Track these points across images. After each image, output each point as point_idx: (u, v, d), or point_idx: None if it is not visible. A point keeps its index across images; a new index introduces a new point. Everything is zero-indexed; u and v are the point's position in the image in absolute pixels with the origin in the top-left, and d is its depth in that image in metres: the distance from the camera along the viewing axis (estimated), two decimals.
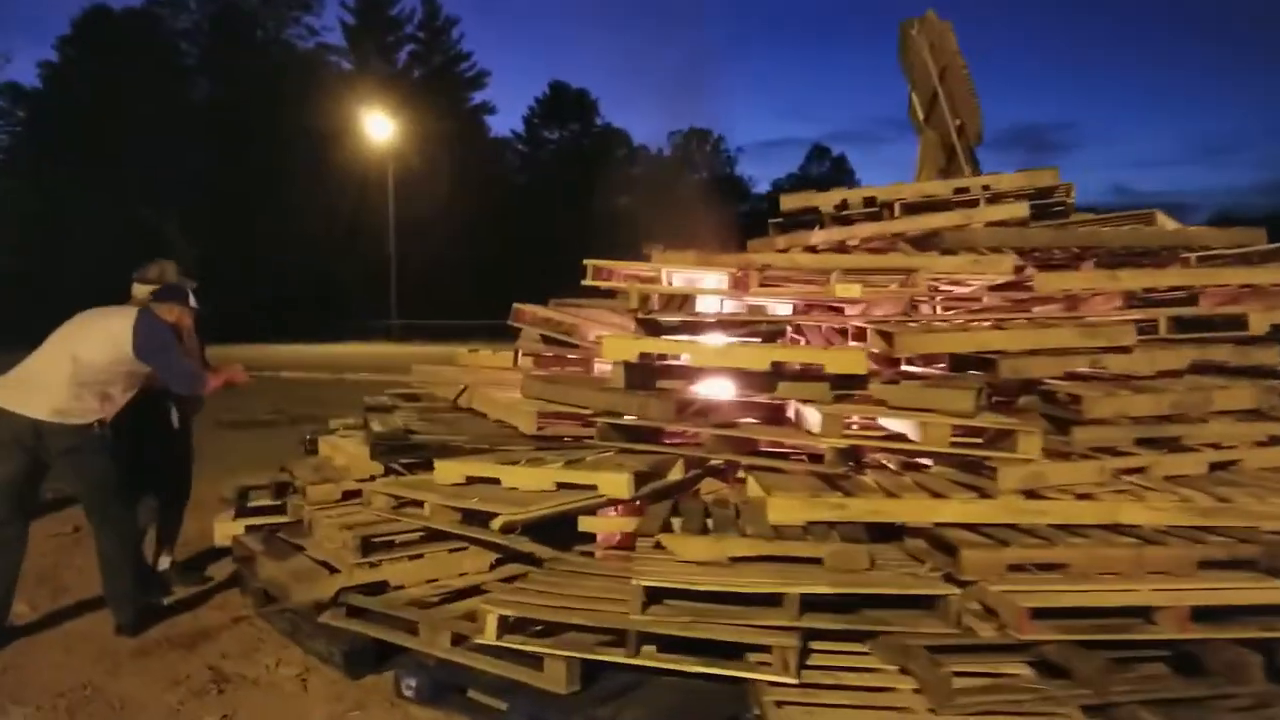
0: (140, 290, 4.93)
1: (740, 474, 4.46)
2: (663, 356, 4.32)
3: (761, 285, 4.88)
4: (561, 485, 4.08)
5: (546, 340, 5.64)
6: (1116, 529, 3.64)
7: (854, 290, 4.66)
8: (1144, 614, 3.20)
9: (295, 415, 12.56)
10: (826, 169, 64.15)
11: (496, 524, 3.73)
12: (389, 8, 50.45)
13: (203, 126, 38.73)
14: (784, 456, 4.52)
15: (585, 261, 5.29)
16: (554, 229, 44.09)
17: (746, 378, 4.44)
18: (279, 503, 5.51)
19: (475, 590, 4.13)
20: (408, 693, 3.69)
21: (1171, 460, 4.07)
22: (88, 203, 33.34)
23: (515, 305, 6.09)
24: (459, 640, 3.68)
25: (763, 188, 60.44)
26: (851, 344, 5.12)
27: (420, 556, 4.20)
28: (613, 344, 4.41)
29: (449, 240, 41.24)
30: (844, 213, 6.94)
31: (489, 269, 42.07)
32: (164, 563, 5.07)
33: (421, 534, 4.33)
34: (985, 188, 6.47)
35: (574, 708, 3.18)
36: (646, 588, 3.25)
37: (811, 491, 3.71)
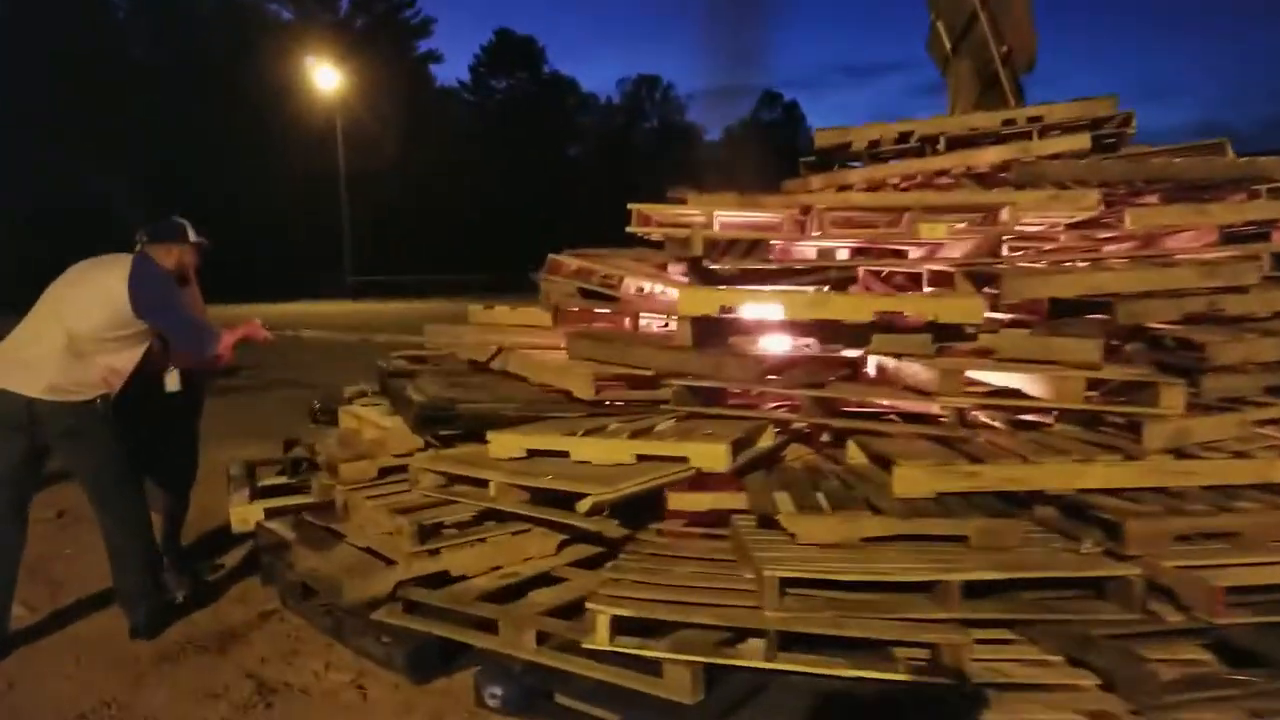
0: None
1: (826, 439, 4.03)
2: (739, 310, 3.83)
3: (828, 228, 4.41)
4: (641, 457, 3.61)
5: (585, 295, 5.12)
6: (1269, 489, 3.30)
7: (939, 230, 4.21)
8: None
9: (268, 380, 11.88)
10: (778, 115, 63.40)
11: (584, 505, 3.26)
12: None
13: (142, 83, 36.72)
14: (874, 417, 4.10)
15: (630, 206, 4.76)
16: (507, 180, 43.05)
17: (833, 331, 3.99)
18: (295, 481, 4.98)
19: (545, 579, 3.68)
20: (492, 702, 3.23)
21: None
22: (29, 165, 31.51)
23: (550, 256, 5.51)
24: (544, 638, 3.24)
25: (714, 135, 59.65)
26: (930, 292, 4.69)
27: (482, 541, 3.72)
28: (691, 297, 3.91)
29: (400, 194, 40.01)
30: (878, 150, 6.48)
31: (442, 223, 41.04)
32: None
33: (473, 516, 3.86)
34: (1036, 119, 6.03)
35: (700, 718, 2.76)
36: (777, 578, 2.82)
37: (938, 459, 3.29)
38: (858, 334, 3.89)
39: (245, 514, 4.56)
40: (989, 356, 3.68)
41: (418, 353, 5.81)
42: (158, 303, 3.70)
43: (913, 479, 3.20)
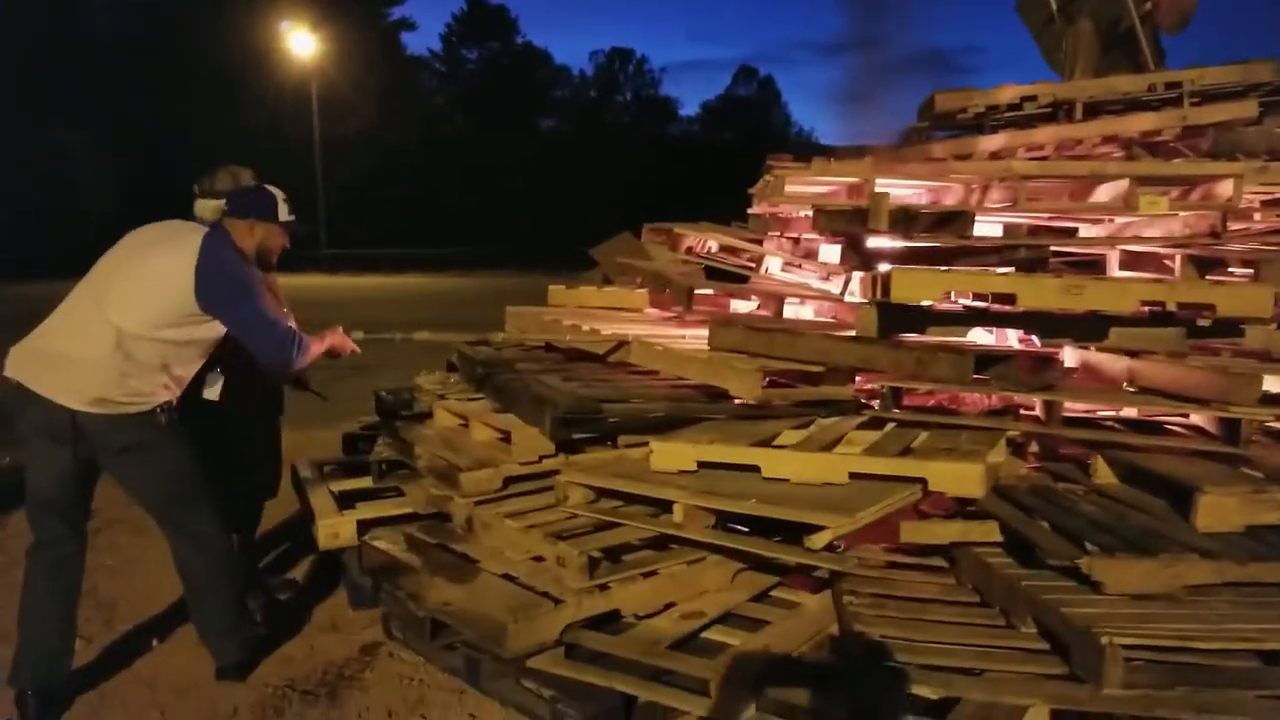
0: (206, 207, 3.59)
1: (1035, 451, 3.44)
2: (981, 296, 3.21)
3: (1024, 200, 3.79)
4: (855, 476, 2.99)
5: (712, 275, 4.45)
6: None
7: (1161, 205, 3.61)
8: None
9: None
10: (754, 90, 62.47)
11: (821, 539, 2.65)
12: None
13: (109, 45, 35.13)
14: (1091, 425, 3.50)
15: (774, 168, 4.10)
16: (480, 152, 42.01)
17: (1050, 323, 3.38)
18: (381, 485, 4.31)
19: (732, 617, 3.07)
20: None
21: None
22: None
23: (649, 227, 4.83)
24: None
25: (690, 109, 58.88)
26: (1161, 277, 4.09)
27: (654, 574, 3.10)
28: (907, 279, 3.26)
29: (372, 165, 38.85)
30: (997, 116, 5.88)
31: (416, 195, 39.98)
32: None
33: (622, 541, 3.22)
34: (1183, 83, 5.44)
35: None
36: (1116, 647, 2.22)
37: (1248, 486, 2.70)
38: (1089, 327, 3.28)
39: (336, 528, 3.86)
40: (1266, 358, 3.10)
41: (505, 339, 5.10)
42: (233, 296, 2.99)
43: (1222, 508, 2.61)
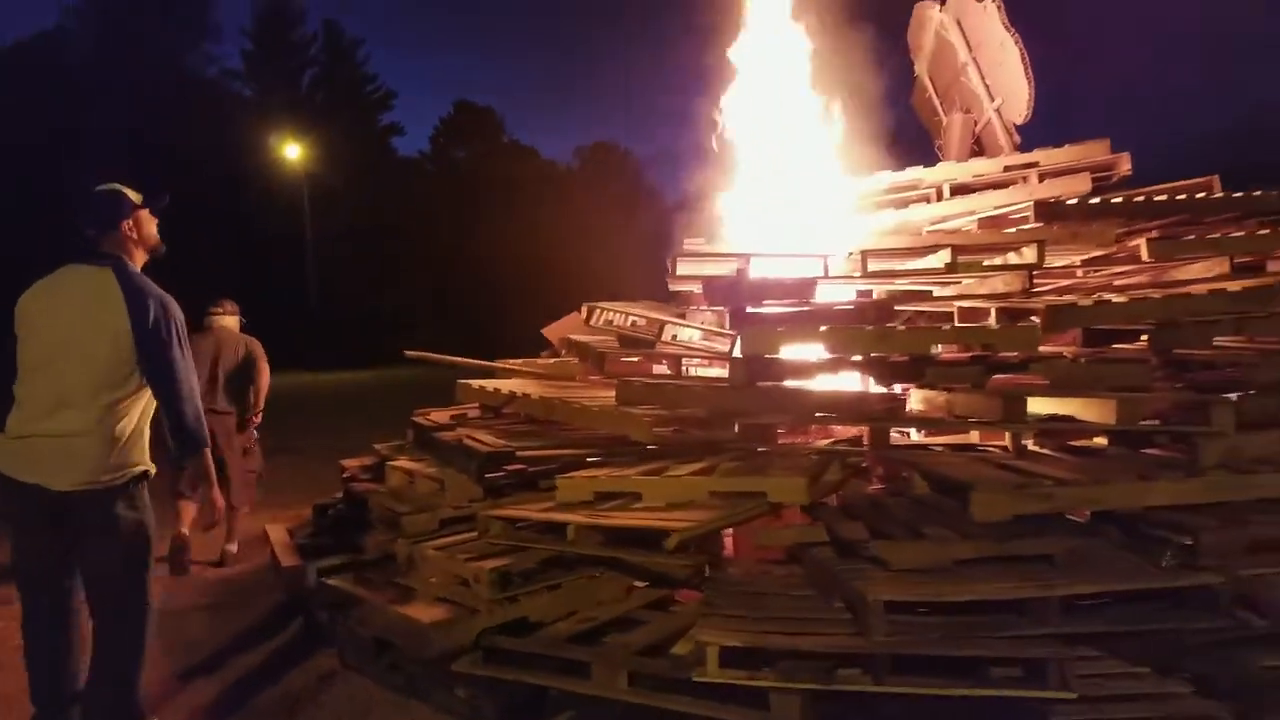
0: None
1: (880, 472, 4.15)
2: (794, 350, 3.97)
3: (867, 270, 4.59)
4: (715, 494, 3.69)
5: (625, 342, 5.23)
6: None
7: (976, 269, 4.40)
8: None
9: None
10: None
11: (671, 541, 3.32)
12: (290, 32, 48.64)
13: (109, 155, 36.57)
14: (921, 449, 4.23)
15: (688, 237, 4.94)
16: (472, 247, 43.20)
17: (882, 367, 4.13)
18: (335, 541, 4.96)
19: (624, 621, 3.71)
20: None
21: None
22: None
23: (586, 304, 5.65)
24: (634, 678, 3.27)
25: (675, 194, 60.48)
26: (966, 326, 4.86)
27: (558, 587, 3.75)
28: (752, 337, 4.01)
29: (364, 265, 39.97)
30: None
31: (407, 292, 40.99)
32: None
33: (538, 564, 3.87)
34: (1034, 164, 6.33)
35: None
36: (883, 602, 2.89)
37: (1013, 483, 3.40)
38: (909, 369, 4.03)
39: (299, 575, 4.52)
40: (1043, 385, 3.84)
41: (450, 409, 5.83)
42: (163, 335, 2.90)
43: (991, 503, 3.30)
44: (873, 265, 4.61)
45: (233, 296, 6.18)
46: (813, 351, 4.21)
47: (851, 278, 4.62)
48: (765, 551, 3.95)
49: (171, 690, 3.98)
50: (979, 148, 7.20)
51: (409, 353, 5.91)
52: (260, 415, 6.16)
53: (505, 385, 5.58)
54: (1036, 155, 6.40)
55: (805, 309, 4.32)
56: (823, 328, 4.04)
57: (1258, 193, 5.76)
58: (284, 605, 4.88)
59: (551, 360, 6.22)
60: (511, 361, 6.34)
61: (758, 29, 6.84)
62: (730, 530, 3.96)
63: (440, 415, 5.69)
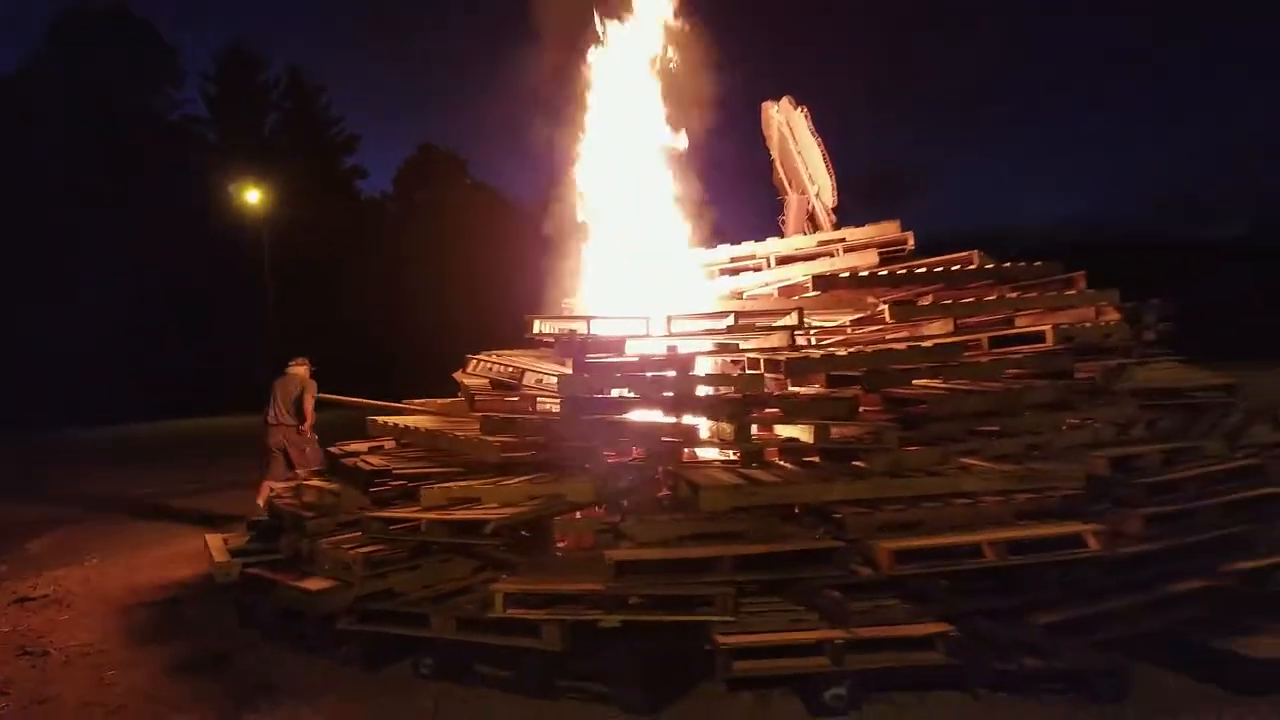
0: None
1: (660, 478, 5.56)
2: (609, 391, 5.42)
3: (673, 331, 6.04)
4: (533, 497, 5.07)
5: (495, 385, 6.61)
6: (959, 495, 4.89)
7: (754, 331, 5.88)
8: (978, 552, 4.41)
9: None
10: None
11: (489, 528, 4.70)
12: (253, 76, 50.03)
13: (68, 201, 37.53)
14: (702, 463, 5.64)
15: (528, 316, 6.37)
16: (435, 289, 44.40)
17: (674, 404, 5.57)
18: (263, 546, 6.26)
19: (465, 591, 5.05)
20: (424, 671, 4.59)
21: (999, 444, 5.39)
22: None
23: (467, 355, 7.07)
24: (463, 626, 4.62)
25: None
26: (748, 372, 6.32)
27: (416, 568, 5.09)
28: (566, 383, 5.46)
29: (328, 309, 41.03)
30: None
31: (369, 336, 42.05)
32: None
33: (410, 552, 5.22)
34: (841, 240, 7.86)
35: (571, 664, 4.17)
36: (618, 562, 4.28)
37: (732, 483, 4.82)
38: (694, 404, 5.47)
39: (228, 568, 5.83)
40: (778, 415, 5.29)
41: (369, 441, 7.19)
42: None
43: (715, 498, 4.71)
44: (675, 326, 6.06)
45: (305, 352, 9.81)
46: (623, 391, 5.63)
47: (665, 335, 6.06)
48: (580, 538, 5.32)
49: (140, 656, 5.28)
50: (811, 224, 8.73)
51: (324, 396, 7.26)
52: (309, 427, 9.14)
53: (406, 421, 6.95)
54: (844, 232, 7.94)
55: (619, 361, 5.74)
56: (616, 375, 5.47)
57: (1007, 264, 7.33)
58: (219, 591, 6.18)
59: (449, 400, 7.58)
60: (416, 401, 7.70)
61: (628, 109, 8.26)
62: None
63: (360, 446, 7.04)
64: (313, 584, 5.00)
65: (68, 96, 39.88)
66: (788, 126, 8.70)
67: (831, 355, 5.74)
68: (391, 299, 42.36)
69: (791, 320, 5.98)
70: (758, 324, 6.04)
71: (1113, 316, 6.63)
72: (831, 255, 7.77)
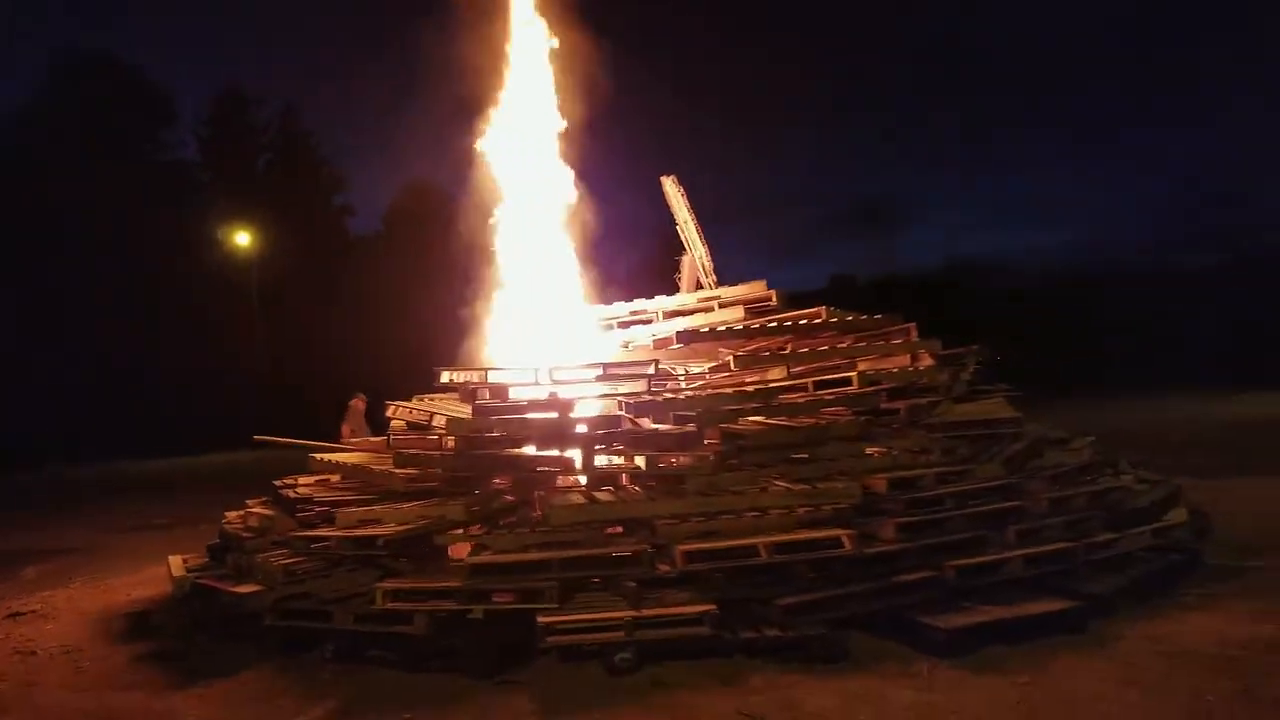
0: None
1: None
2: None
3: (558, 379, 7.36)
4: (423, 517, 6.36)
5: (411, 426, 7.92)
6: (755, 509, 6.16)
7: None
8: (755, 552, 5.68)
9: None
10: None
11: (380, 542, 5.98)
12: (241, 116, 51.42)
13: (70, 242, 38.81)
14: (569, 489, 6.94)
15: (436, 368, 7.69)
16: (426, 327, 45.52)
17: (539, 439, 6.88)
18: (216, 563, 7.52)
19: (366, 594, 6.30)
20: (327, 655, 5.84)
21: (804, 469, 6.68)
22: None
23: (387, 401, 8.39)
24: (358, 619, 5.88)
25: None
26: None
27: (329, 576, 6.36)
28: (454, 425, 6.77)
29: (318, 347, 42.20)
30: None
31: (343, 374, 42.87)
32: None
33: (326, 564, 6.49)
34: (717, 298, 9.21)
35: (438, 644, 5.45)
36: (470, 565, 5.57)
37: (576, 503, 6.11)
38: (558, 440, 6.78)
39: (184, 582, 7.10)
40: (621, 449, 6.61)
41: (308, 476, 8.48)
42: None
43: (560, 514, 6.00)
44: (557, 375, 7.38)
45: (360, 388, 13.22)
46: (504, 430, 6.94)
47: (548, 383, 7.38)
48: (458, 549, 6.59)
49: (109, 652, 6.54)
50: (700, 283, 10.09)
51: (257, 437, 8.54)
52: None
53: (341, 458, 8.24)
54: (720, 291, 9.29)
55: (503, 404, 7.06)
56: (501, 416, 6.81)
57: (850, 318, 8.68)
58: (179, 602, 7.43)
59: (381, 438, 8.89)
60: (353, 441, 9.00)
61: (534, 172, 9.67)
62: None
63: (307, 479, 8.33)
64: (243, 589, 6.27)
65: (64, 140, 41.22)
66: (675, 197, 10.10)
67: (674, 399, 7.07)
68: (363, 337, 42.58)
69: (649, 370, 7.31)
70: (622, 373, 7.36)
71: (927, 362, 7.97)
72: (709, 310, 9.11)
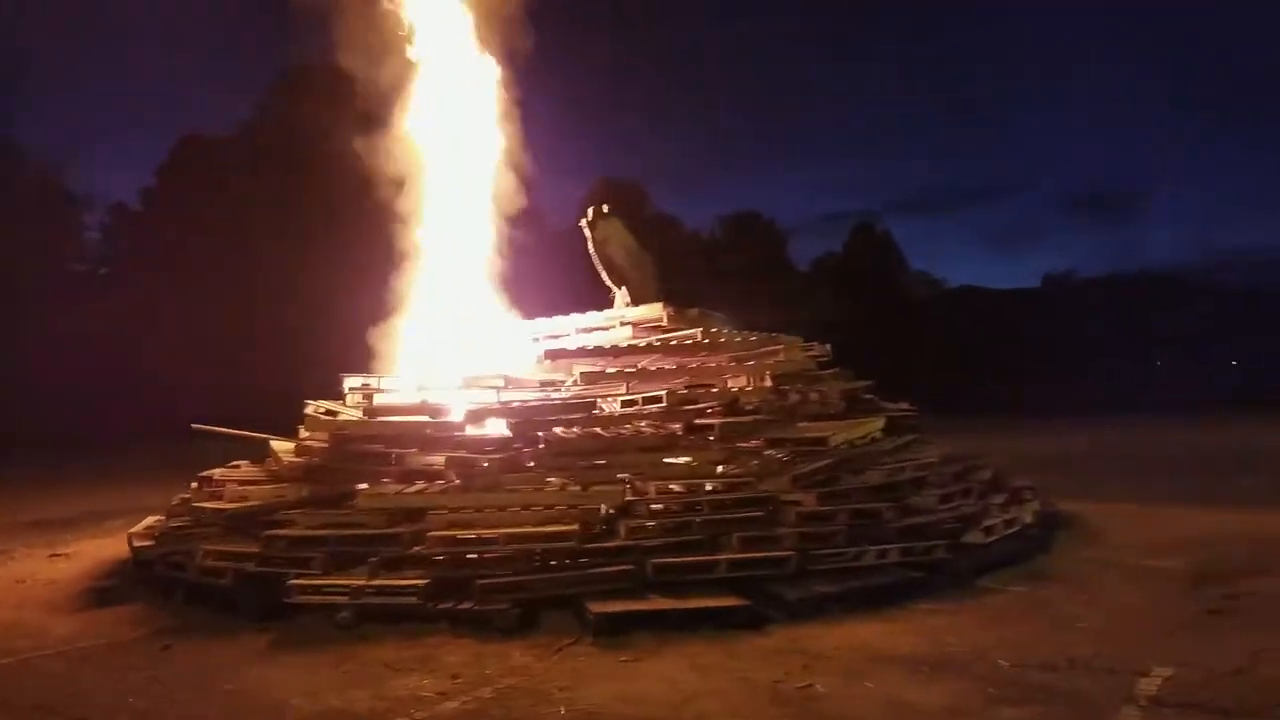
0: None
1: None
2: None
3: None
4: (279, 496, 7.86)
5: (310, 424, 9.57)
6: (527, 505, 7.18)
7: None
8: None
9: None
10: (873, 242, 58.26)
11: (226, 513, 7.54)
12: None
13: None
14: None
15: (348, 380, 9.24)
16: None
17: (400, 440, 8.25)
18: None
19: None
20: (179, 597, 7.42)
21: (599, 474, 7.61)
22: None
23: (305, 400, 10.04)
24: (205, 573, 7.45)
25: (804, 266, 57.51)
26: None
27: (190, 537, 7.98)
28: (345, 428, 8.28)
29: None
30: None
31: None
32: None
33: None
34: (620, 318, 10.22)
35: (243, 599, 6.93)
36: (268, 536, 7.00)
37: (381, 493, 7.41)
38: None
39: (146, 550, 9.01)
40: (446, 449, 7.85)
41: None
42: None
43: (365, 500, 7.32)
44: (428, 384, 8.71)
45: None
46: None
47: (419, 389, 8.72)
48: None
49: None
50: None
51: (195, 426, 10.36)
52: None
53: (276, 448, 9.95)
54: (626, 312, 10.29)
55: (380, 407, 8.49)
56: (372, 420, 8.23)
57: (723, 339, 9.47)
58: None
59: None
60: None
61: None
62: None
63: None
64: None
65: None
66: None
67: (505, 407, 8.22)
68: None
69: (496, 382, 8.51)
70: (515, 384, 8.63)
71: (764, 384, 8.66)
72: (611, 329, 10.14)
